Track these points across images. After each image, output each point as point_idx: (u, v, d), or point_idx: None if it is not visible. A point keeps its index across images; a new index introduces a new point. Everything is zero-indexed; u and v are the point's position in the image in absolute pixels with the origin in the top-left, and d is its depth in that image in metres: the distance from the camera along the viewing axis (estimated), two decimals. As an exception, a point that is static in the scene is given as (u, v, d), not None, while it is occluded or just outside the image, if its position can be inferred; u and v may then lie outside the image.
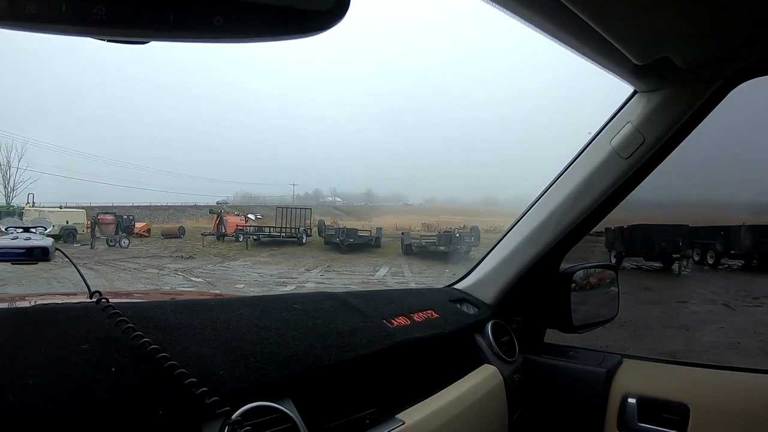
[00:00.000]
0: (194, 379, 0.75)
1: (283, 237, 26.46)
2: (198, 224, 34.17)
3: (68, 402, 0.65)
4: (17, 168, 36.95)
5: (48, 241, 0.83)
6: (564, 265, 1.69)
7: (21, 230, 0.84)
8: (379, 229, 26.66)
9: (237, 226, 27.89)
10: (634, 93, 1.37)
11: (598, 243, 17.87)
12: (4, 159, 36.87)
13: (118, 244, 23.45)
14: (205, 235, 26.30)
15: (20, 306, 0.98)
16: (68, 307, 0.87)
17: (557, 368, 1.62)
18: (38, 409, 0.62)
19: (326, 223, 28.50)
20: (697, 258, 16.72)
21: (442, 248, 21.11)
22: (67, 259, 0.93)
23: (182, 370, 0.75)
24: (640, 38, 1.06)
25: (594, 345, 1.82)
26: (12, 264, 0.82)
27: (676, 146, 1.36)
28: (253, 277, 16.12)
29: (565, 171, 1.54)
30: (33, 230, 0.85)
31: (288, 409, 0.86)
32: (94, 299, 0.84)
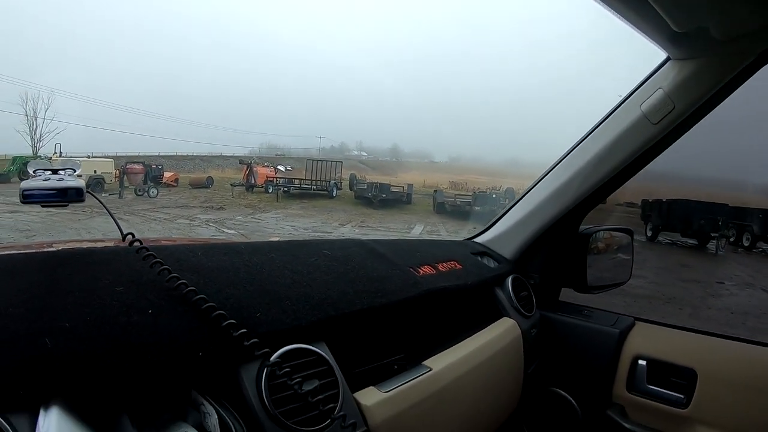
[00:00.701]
0: (233, 321, 0.75)
1: (313, 189, 26.14)
2: (225, 174, 33.93)
3: (106, 345, 0.65)
4: (43, 119, 37.03)
5: (81, 182, 0.76)
6: (582, 226, 1.69)
7: (50, 172, 0.77)
8: (410, 186, 26.23)
9: (267, 177, 27.48)
10: (667, 59, 1.33)
11: (632, 215, 18.01)
12: (31, 110, 36.99)
13: (146, 193, 23.14)
14: (235, 186, 25.94)
15: (48, 251, 0.86)
16: (98, 251, 0.84)
17: (572, 326, 1.64)
18: (76, 352, 0.62)
19: (357, 177, 28.03)
20: (732, 239, 16.20)
21: (477, 208, 20.62)
22: (99, 204, 0.87)
23: (221, 311, 0.75)
24: (683, 5, 1.03)
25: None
26: (42, 206, 0.75)
27: (705, 116, 1.34)
28: (286, 230, 15.62)
29: (591, 132, 1.51)
30: (62, 172, 0.78)
31: (323, 351, 0.88)
32: (127, 242, 0.82)
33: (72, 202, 0.76)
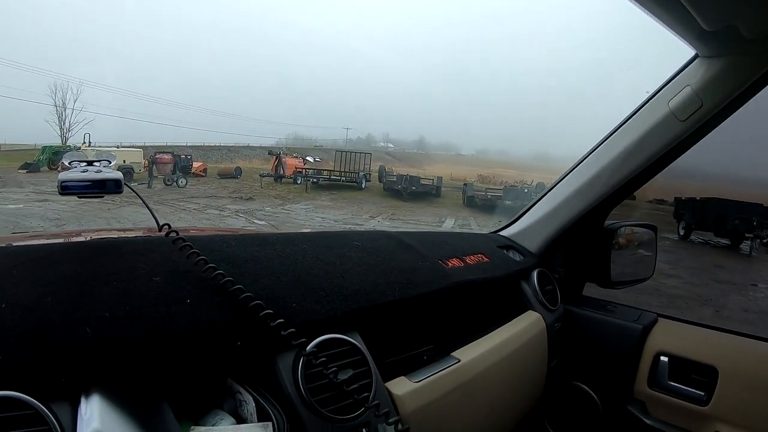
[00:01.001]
0: (270, 311, 0.76)
1: (342, 181, 25.92)
2: (252, 165, 34.17)
3: (147, 334, 0.65)
4: (72, 109, 38.02)
5: (119, 174, 0.77)
6: (607, 222, 1.68)
7: (86, 164, 0.79)
8: (439, 179, 25.88)
9: (295, 168, 27.32)
10: (696, 57, 1.32)
11: (663, 212, 17.93)
12: (60, 100, 37.92)
13: (175, 183, 23.06)
14: (264, 177, 25.80)
15: (80, 240, 0.92)
16: (131, 241, 0.85)
17: (595, 321, 1.64)
18: (116, 340, 0.63)
19: (386, 169, 27.69)
20: (766, 240, 15.67)
21: (508, 202, 20.07)
22: (127, 194, 0.85)
23: (258, 301, 0.76)
24: (714, 4, 1.02)
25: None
26: (79, 197, 0.76)
27: (732, 113, 1.33)
28: (316, 221, 15.29)
29: (619, 128, 1.50)
30: (97, 163, 0.80)
31: (357, 342, 0.88)
32: (163, 232, 0.82)
33: (110, 194, 0.76)
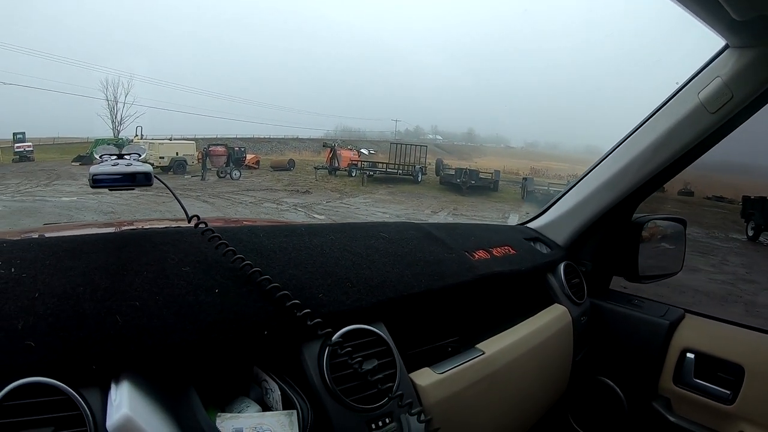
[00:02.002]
0: (297, 301, 0.77)
1: (399, 174, 25.08)
2: (302, 157, 34.05)
3: (176, 323, 0.67)
4: (123, 103, 38.90)
5: (148, 167, 0.78)
6: (635, 215, 1.66)
7: (116, 157, 0.80)
8: (497, 172, 24.82)
9: (350, 160, 26.66)
10: (726, 47, 1.28)
11: (725, 210, 17.39)
12: (111, 95, 39.00)
13: (228, 175, 22.70)
14: (318, 169, 25.16)
15: (111, 231, 0.92)
16: (162, 231, 0.86)
17: (622, 315, 1.62)
18: (147, 329, 0.64)
19: (443, 163, 26.74)
20: None
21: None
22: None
23: (285, 292, 0.77)
24: None
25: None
26: (110, 190, 0.78)
27: (764, 105, 1.30)
28: (377, 216, 14.43)
29: (647, 120, 1.47)
30: (127, 156, 0.80)
31: (382, 332, 0.89)
32: (192, 223, 0.83)
33: (139, 186, 0.77)
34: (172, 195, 0.88)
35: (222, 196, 16.80)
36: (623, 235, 1.64)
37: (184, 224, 0.86)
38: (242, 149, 26.28)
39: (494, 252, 1.37)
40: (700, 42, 1.36)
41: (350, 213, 15.07)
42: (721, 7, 1.01)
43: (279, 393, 0.74)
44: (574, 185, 1.68)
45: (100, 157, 0.79)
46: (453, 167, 25.57)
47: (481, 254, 1.31)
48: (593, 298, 1.65)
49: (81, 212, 12.50)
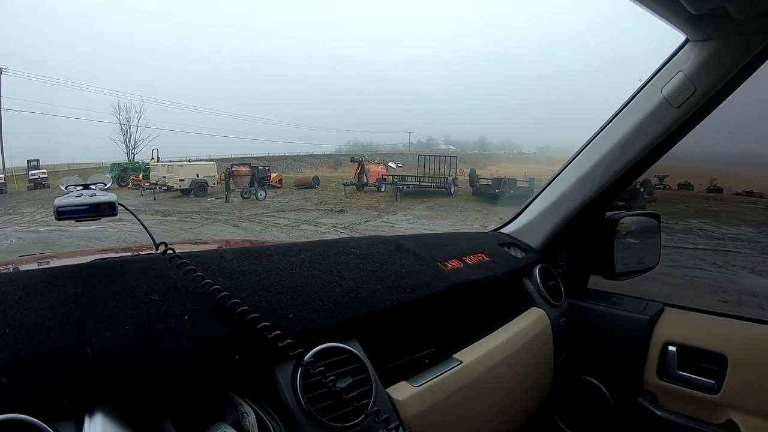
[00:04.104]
0: (267, 323, 0.77)
1: (433, 187, 23.99)
2: (320, 173, 33.24)
3: (147, 351, 0.67)
4: (137, 126, 38.92)
5: (112, 196, 0.79)
6: (608, 213, 1.69)
7: (81, 187, 0.81)
8: (531, 180, 23.77)
9: (379, 174, 25.76)
10: (686, 42, 1.31)
11: (760, 206, 17.14)
12: (124, 119, 39.05)
13: (253, 196, 21.78)
14: (347, 185, 24.19)
15: (81, 262, 0.87)
16: (132, 260, 0.86)
17: (601, 313, 1.64)
18: (118, 359, 0.64)
19: (476, 172, 25.68)
20: None
21: (620, 203, 16.75)
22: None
23: (254, 314, 0.77)
24: None
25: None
26: (76, 221, 0.78)
27: (727, 97, 1.32)
28: None
29: (613, 118, 1.50)
30: (93, 186, 0.82)
31: (355, 349, 0.89)
32: (159, 250, 0.84)
33: (105, 216, 0.78)
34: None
35: (252, 219, 15.73)
36: (597, 233, 1.66)
37: (155, 252, 0.85)
38: (266, 168, 25.31)
39: (467, 260, 1.37)
40: (663, 38, 1.37)
41: (395, 231, 13.62)
42: (678, 2, 1.04)
43: (254, 417, 0.72)
44: (545, 188, 1.70)
45: (66, 188, 0.80)
46: (488, 177, 24.64)
47: (454, 263, 1.31)
48: (571, 298, 1.67)
49: (101, 243, 11.67)
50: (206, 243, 1.42)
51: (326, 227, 14.18)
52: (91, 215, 0.76)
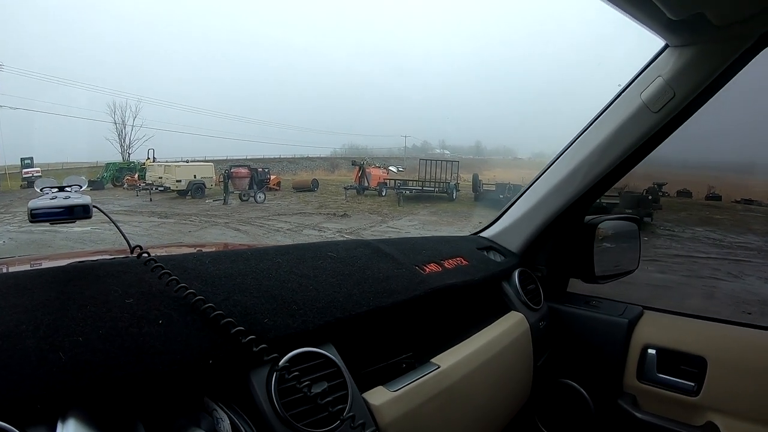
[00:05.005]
0: (241, 328, 0.76)
1: (436, 192, 23.70)
2: (316, 176, 32.94)
3: (120, 356, 0.66)
4: (132, 126, 38.89)
5: (87, 199, 0.79)
6: (588, 216, 1.69)
7: (56, 189, 0.81)
8: None
9: (380, 178, 25.37)
10: (665, 47, 1.33)
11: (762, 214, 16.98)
12: (119, 118, 38.97)
13: (252, 198, 21.35)
14: (348, 189, 23.83)
15: (57, 265, 0.87)
16: (107, 263, 0.86)
17: (580, 317, 1.64)
18: (91, 364, 0.63)
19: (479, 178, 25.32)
20: None
21: (628, 211, 16.87)
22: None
23: (229, 319, 0.76)
24: None
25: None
26: (51, 224, 0.78)
27: (706, 102, 1.34)
28: None
29: (593, 123, 1.51)
30: (68, 188, 0.81)
31: (331, 354, 0.88)
32: (134, 254, 0.83)
33: (79, 219, 0.77)
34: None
35: (253, 222, 15.34)
36: (577, 237, 1.66)
37: (131, 255, 0.85)
38: (266, 170, 24.84)
39: (446, 264, 1.36)
40: (642, 43, 1.40)
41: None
42: (657, 8, 1.04)
43: (228, 423, 0.72)
44: (525, 191, 1.70)
45: (41, 190, 0.79)
46: (492, 182, 24.24)
47: (432, 267, 1.30)
48: (551, 302, 1.68)
49: (96, 245, 11.23)
50: (184, 246, 1.41)
51: (331, 232, 13.83)
52: (65, 218, 0.75)
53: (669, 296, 8.34)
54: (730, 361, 1.38)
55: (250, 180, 22.59)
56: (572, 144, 1.55)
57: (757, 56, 1.23)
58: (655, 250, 12.64)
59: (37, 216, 0.74)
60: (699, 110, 1.36)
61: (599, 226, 1.66)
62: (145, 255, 0.82)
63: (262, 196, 21.52)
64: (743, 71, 1.27)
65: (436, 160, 26.81)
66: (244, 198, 21.35)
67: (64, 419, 0.58)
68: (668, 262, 11.29)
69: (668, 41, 1.28)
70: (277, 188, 25.44)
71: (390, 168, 30.59)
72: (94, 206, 0.78)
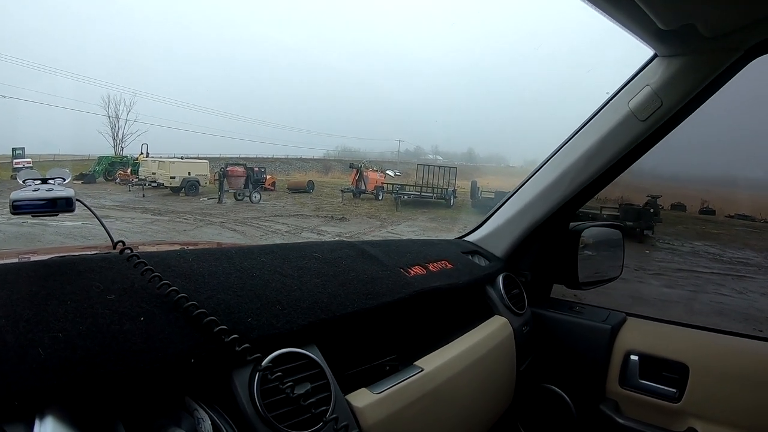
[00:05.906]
0: (224, 327, 0.75)
1: (434, 198, 23.74)
2: (310, 177, 32.72)
3: (100, 353, 0.65)
4: (126, 120, 38.19)
5: (70, 192, 0.78)
6: (572, 223, 1.69)
7: (39, 182, 0.79)
8: None
9: (377, 182, 25.25)
10: (654, 56, 1.34)
11: (757, 229, 16.69)
12: (113, 112, 38.17)
13: (247, 198, 21.06)
14: (344, 191, 23.79)
15: (38, 259, 0.85)
16: (89, 259, 0.83)
17: (564, 323, 1.64)
18: (70, 361, 0.63)
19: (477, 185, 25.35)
20: None
21: (629, 223, 17.30)
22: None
23: (211, 317, 0.75)
24: (669, 4, 1.05)
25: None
26: (33, 216, 0.76)
27: (693, 112, 1.35)
28: None
29: (580, 130, 1.51)
30: (51, 181, 0.80)
31: (315, 355, 0.88)
32: (117, 249, 0.83)
33: (62, 212, 0.77)
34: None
35: (249, 223, 14.98)
36: (562, 243, 1.66)
37: (113, 251, 0.84)
38: (262, 170, 24.48)
39: (430, 267, 1.36)
40: (631, 52, 1.39)
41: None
42: (648, 18, 1.05)
43: (209, 423, 0.70)
44: (511, 196, 1.70)
45: (24, 181, 0.78)
46: (490, 190, 24.13)
47: (417, 270, 1.30)
48: (534, 307, 1.67)
49: (87, 240, 10.77)
50: (176, 244, 1.46)
51: (330, 236, 13.54)
52: (47, 210, 0.75)
53: (679, 310, 8.30)
54: (712, 368, 1.39)
55: (245, 179, 22.34)
56: (559, 150, 1.55)
57: (743, 70, 1.24)
58: (659, 264, 12.56)
59: (18, 208, 0.73)
60: (689, 125, 1.36)
61: (583, 233, 1.67)
62: (128, 251, 0.80)
63: (258, 196, 21.28)
64: (729, 85, 1.28)
65: (433, 166, 26.90)
66: (239, 197, 21.07)
67: (42, 417, 0.57)
68: (673, 276, 11.20)
69: (657, 51, 1.30)
70: (273, 189, 25.21)
71: (387, 172, 30.65)
72: (77, 200, 0.77)
